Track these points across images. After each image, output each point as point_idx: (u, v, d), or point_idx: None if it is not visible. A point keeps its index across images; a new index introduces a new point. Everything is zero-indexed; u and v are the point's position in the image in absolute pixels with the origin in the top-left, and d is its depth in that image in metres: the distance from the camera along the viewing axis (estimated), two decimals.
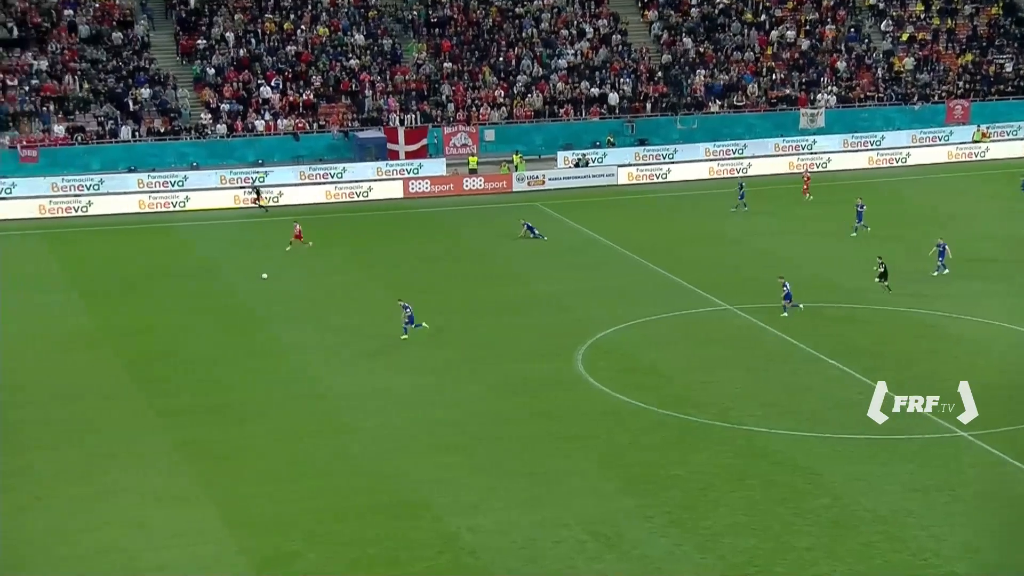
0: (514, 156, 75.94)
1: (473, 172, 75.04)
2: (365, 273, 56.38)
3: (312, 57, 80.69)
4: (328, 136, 77.36)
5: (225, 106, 76.49)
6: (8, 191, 68.30)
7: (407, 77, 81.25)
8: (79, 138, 73.58)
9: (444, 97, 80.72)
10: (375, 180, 73.18)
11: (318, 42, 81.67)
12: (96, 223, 66.03)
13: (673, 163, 78.18)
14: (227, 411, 40.14)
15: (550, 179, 74.92)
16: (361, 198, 71.70)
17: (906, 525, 32.19)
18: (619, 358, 44.97)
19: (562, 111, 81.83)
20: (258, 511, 33.14)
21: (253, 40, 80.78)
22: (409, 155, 76.56)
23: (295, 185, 71.92)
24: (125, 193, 69.55)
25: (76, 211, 67.49)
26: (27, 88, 74.53)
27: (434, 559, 30.73)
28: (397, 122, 78.13)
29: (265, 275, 54.02)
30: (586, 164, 76.62)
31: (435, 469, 35.66)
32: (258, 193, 68.53)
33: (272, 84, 78.47)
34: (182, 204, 68.72)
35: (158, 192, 69.56)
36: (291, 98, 78.16)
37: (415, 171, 74.59)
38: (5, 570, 30.16)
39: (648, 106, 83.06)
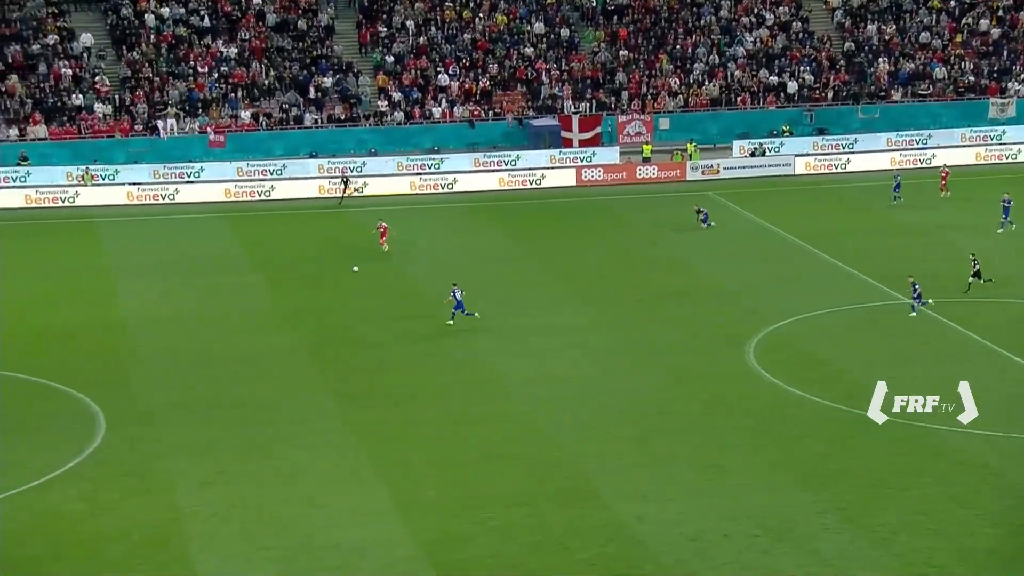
0: (688, 145, 75.25)
1: (647, 161, 74.66)
2: (536, 261, 56.63)
3: (489, 45, 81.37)
4: (503, 124, 77.90)
5: (397, 95, 77.54)
6: (196, 175, 70.63)
7: (583, 65, 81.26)
8: (264, 124, 75.70)
9: (619, 85, 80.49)
10: (548, 168, 73.40)
11: (495, 30, 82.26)
12: (278, 207, 67.80)
13: (853, 153, 76.37)
14: (400, 394, 40.83)
15: (725, 168, 74.03)
16: (534, 186, 72.03)
17: None
18: (792, 351, 44.27)
19: (739, 99, 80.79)
20: (429, 494, 33.65)
21: (433, 27, 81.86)
22: (583, 143, 76.56)
23: (469, 172, 72.66)
24: (306, 178, 71.25)
25: (259, 195, 69.42)
26: (216, 75, 76.99)
27: (602, 547, 30.76)
28: (571, 110, 78.22)
29: (356, 268, 54.25)
30: (762, 153, 75.48)
31: (605, 457, 35.67)
32: (346, 184, 68.98)
33: (449, 72, 79.39)
34: (360, 190, 70.06)
35: (338, 178, 71.05)
36: (467, 86, 78.96)
37: (588, 159, 74.59)
38: (186, 542, 31.30)
39: (829, 95, 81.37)
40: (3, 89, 73.54)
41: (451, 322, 46.58)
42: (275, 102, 76.50)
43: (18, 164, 69.30)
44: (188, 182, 69.97)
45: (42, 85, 74.33)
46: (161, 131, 73.31)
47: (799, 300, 49.41)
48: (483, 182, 71.93)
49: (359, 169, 72.06)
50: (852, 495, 33.03)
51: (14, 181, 68.37)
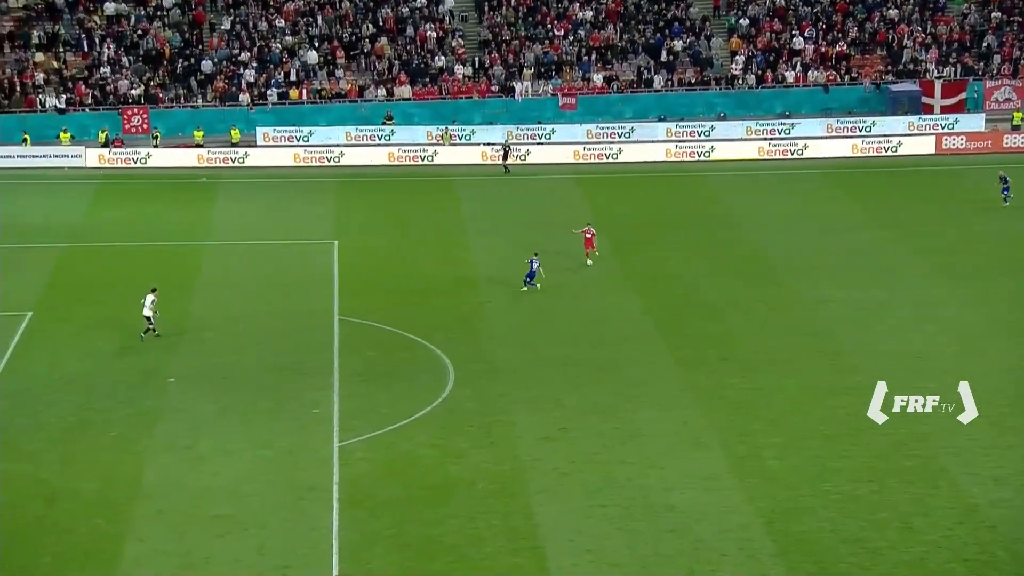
0: None
1: (1016, 129, 70.58)
2: (890, 231, 54.70)
3: (849, 7, 78.84)
4: (860, 88, 75.48)
5: (740, 57, 76.20)
6: (548, 136, 72.11)
7: (950, 28, 77.53)
8: (615, 87, 76.31)
9: (989, 48, 76.29)
10: (905, 135, 70.68)
11: None
12: (625, 170, 68.17)
13: None
14: (742, 360, 40.44)
15: None
16: (889, 153, 69.46)
17: None
18: None
19: None
20: (769, 463, 33.23)
21: None
22: (945, 109, 73.23)
23: (821, 138, 70.87)
24: (654, 142, 71.40)
25: (607, 158, 70.07)
26: (571, 38, 78.14)
27: (951, 529, 29.62)
28: (935, 75, 74.84)
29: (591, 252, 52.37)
30: None
31: (958, 436, 34.10)
32: (506, 153, 67.83)
33: (805, 35, 77.51)
34: (707, 154, 69.60)
35: (685, 142, 70.83)
36: (823, 49, 76.86)
37: (950, 126, 71.25)
38: (528, 494, 32.08)
39: None
40: (373, 51, 77.31)
41: (525, 288, 46.86)
42: (627, 65, 76.93)
43: (384, 123, 72.83)
44: (539, 143, 71.49)
45: (408, 47, 77.66)
46: (517, 93, 75.21)
47: None
48: (835, 148, 69.98)
49: (707, 133, 71.58)
50: None
51: (380, 139, 71.96)
